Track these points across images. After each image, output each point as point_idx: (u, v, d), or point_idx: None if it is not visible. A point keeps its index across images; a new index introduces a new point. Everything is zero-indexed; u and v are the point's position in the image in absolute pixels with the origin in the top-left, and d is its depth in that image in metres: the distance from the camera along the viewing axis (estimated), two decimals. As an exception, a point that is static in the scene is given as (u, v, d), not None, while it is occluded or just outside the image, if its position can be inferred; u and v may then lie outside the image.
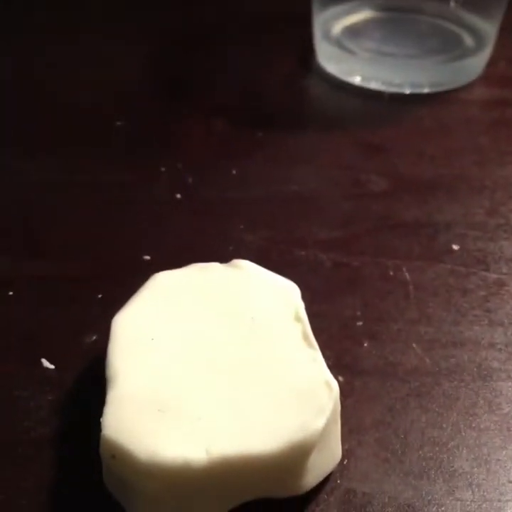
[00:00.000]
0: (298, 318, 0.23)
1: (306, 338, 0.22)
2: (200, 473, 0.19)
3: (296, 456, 0.20)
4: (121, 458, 0.19)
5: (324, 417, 0.20)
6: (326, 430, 0.20)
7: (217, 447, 0.19)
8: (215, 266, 0.25)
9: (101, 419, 0.20)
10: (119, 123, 0.37)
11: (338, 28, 0.43)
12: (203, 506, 0.20)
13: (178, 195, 0.33)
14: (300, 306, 0.24)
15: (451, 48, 0.42)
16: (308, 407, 0.20)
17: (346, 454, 0.22)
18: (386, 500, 0.21)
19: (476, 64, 0.41)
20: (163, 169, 0.34)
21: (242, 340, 0.22)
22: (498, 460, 0.22)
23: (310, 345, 0.22)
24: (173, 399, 0.20)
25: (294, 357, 0.22)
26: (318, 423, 0.20)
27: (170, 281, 0.24)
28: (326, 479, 0.21)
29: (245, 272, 0.25)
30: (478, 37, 0.42)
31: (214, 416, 0.20)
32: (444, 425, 0.23)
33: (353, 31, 0.43)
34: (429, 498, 0.21)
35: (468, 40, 0.42)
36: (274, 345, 0.22)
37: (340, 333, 0.26)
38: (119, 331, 0.22)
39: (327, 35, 0.43)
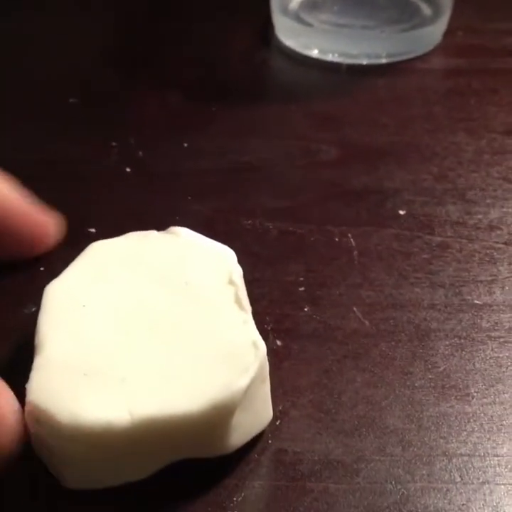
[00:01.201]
0: (231, 282, 0.23)
1: (238, 301, 0.22)
2: (123, 434, 0.19)
3: (220, 415, 0.20)
4: (45, 422, 0.19)
5: (248, 377, 0.20)
6: (251, 390, 0.20)
7: (140, 408, 0.19)
8: (151, 234, 0.25)
9: (26, 385, 0.20)
10: (72, 100, 0.37)
11: (295, 1, 0.43)
12: (130, 468, 0.20)
13: (128, 169, 0.33)
14: (235, 270, 0.24)
15: (408, 17, 0.42)
16: (234, 366, 0.20)
17: (279, 415, 0.22)
18: (316, 458, 0.21)
19: (434, 33, 0.41)
20: (114, 144, 0.34)
21: (175, 304, 0.22)
22: (431, 417, 0.22)
23: (241, 308, 0.22)
24: (100, 363, 0.20)
25: (225, 320, 0.22)
26: (242, 382, 0.20)
27: (106, 249, 0.24)
28: (258, 439, 0.21)
29: (181, 238, 0.25)
30: (435, 5, 0.42)
31: (139, 378, 0.20)
32: (379, 384, 0.23)
33: (310, 4, 0.43)
34: (359, 454, 0.21)
35: (426, 9, 0.42)
36: (206, 308, 0.22)
37: (281, 298, 0.26)
38: (50, 299, 0.22)
39: (285, 9, 0.42)
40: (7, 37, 0.43)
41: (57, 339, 0.21)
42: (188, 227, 0.26)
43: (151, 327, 0.22)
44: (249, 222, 0.30)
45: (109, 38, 0.43)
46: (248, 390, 0.20)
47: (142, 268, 0.24)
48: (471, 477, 0.21)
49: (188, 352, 0.21)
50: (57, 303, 0.22)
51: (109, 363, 0.20)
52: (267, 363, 0.21)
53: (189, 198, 0.31)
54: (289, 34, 0.42)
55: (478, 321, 0.25)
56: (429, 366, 0.24)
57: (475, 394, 0.23)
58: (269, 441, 0.22)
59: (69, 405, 0.19)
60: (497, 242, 0.28)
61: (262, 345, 0.21)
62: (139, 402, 0.19)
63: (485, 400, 0.23)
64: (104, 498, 0.20)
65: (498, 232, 0.29)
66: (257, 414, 0.21)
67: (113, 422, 0.19)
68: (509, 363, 0.24)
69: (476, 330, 0.25)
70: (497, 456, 0.21)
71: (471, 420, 0.22)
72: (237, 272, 0.24)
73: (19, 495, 0.21)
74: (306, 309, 0.26)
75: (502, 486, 0.20)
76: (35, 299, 0.26)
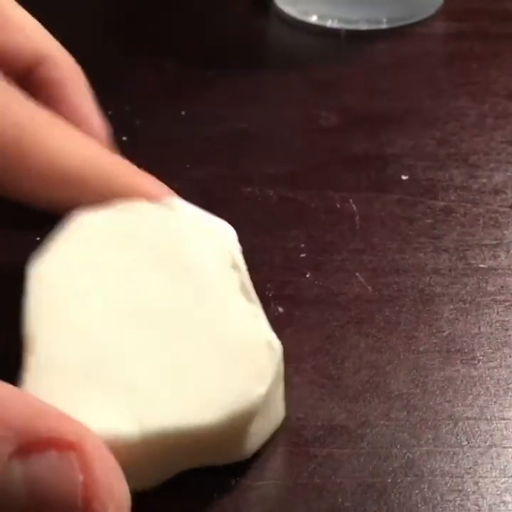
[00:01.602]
0: (235, 266, 0.21)
1: (244, 289, 0.20)
2: (132, 447, 0.17)
3: (237, 425, 0.18)
4: None
5: (266, 383, 0.18)
6: (268, 394, 0.19)
7: (151, 419, 0.17)
8: (142, 205, 0.22)
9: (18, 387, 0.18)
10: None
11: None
12: (136, 478, 0.17)
13: (125, 138, 0.32)
14: (236, 251, 0.21)
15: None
16: (249, 371, 0.18)
17: (282, 381, 0.22)
18: (320, 423, 0.21)
19: (435, -3, 0.41)
20: (109, 112, 0.33)
21: (174, 292, 0.20)
22: (436, 381, 0.22)
23: (249, 298, 0.20)
24: (99, 362, 0.18)
25: (233, 313, 0.20)
26: (260, 390, 0.18)
27: (92, 222, 0.22)
28: (260, 406, 0.21)
29: (177, 212, 0.22)
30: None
31: (146, 383, 0.18)
32: (383, 349, 0.23)
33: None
34: (364, 419, 0.21)
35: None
36: (210, 298, 0.20)
37: (282, 265, 0.26)
38: (35, 284, 0.20)
39: (283, -26, 0.42)
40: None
41: (48, 333, 0.19)
42: (186, 194, 0.25)
43: (151, 317, 0.19)
44: (249, 189, 0.29)
45: (106, 4, 0.43)
46: (265, 396, 0.18)
47: (136, 248, 0.21)
48: (478, 440, 0.20)
49: (196, 351, 0.19)
50: (45, 288, 0.20)
51: (110, 362, 0.18)
52: (283, 364, 0.20)
53: (187, 165, 0.30)
54: (288, 0, 0.41)
55: (484, 285, 0.25)
56: (434, 330, 0.23)
57: (481, 358, 0.22)
58: (272, 407, 0.21)
59: (70, 414, 0.16)
60: (501, 206, 0.28)
61: (278, 346, 0.19)
62: (148, 411, 0.17)
63: (491, 364, 0.22)
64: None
65: (503, 195, 0.28)
66: (273, 416, 0.20)
67: (121, 434, 0.17)
68: (515, 327, 0.23)
69: (481, 294, 0.24)
70: (504, 419, 0.21)
71: (477, 384, 0.22)
72: (239, 253, 0.22)
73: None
74: (307, 275, 0.25)
75: (509, 449, 0.20)
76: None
